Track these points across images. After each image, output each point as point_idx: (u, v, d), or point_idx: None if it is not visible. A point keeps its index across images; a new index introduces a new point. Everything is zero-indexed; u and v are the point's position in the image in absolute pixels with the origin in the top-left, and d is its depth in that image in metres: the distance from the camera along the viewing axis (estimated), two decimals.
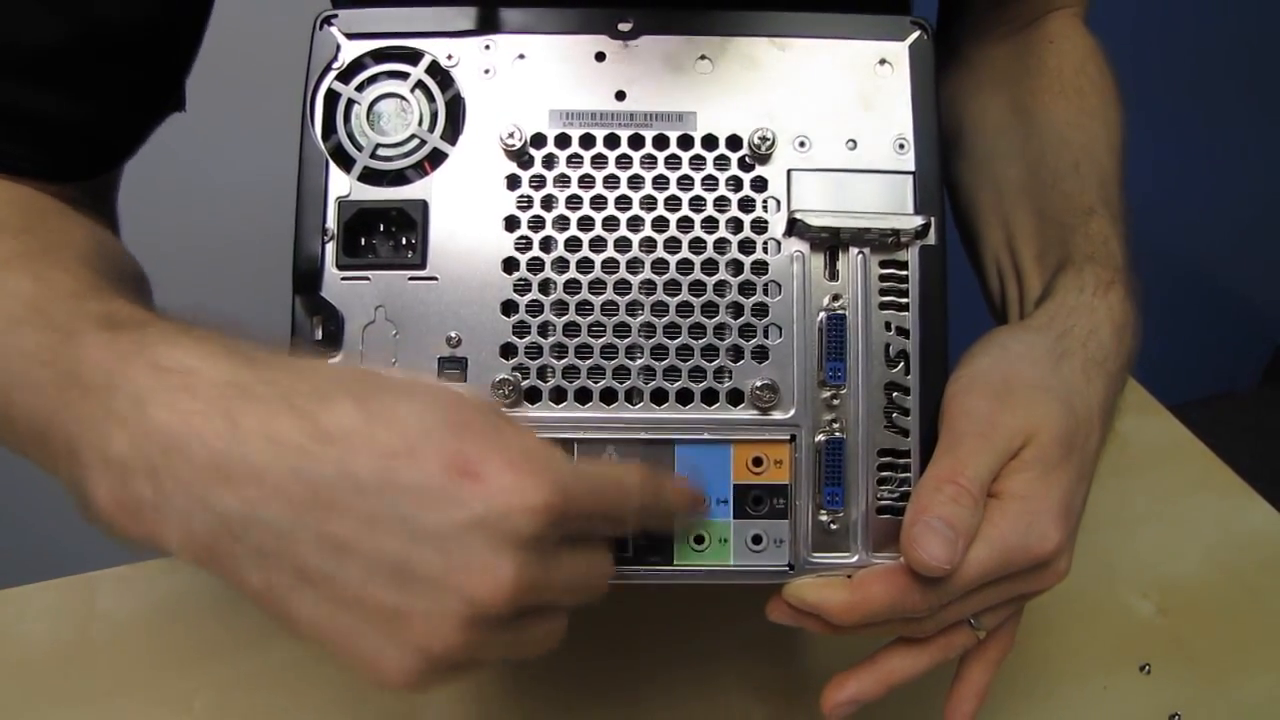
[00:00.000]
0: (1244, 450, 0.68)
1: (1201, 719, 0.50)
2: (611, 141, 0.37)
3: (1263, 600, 0.57)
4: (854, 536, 0.36)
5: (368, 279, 0.37)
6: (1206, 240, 1.58)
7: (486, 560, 0.26)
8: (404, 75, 0.38)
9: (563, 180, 0.37)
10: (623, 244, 0.37)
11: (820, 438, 0.36)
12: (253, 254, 0.86)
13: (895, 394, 0.37)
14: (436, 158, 0.37)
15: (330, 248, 0.37)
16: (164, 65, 0.43)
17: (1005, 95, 0.49)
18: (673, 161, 0.37)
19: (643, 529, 0.33)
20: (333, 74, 0.38)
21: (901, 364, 0.37)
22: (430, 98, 0.38)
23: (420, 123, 0.38)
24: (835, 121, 0.38)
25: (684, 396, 0.36)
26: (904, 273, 0.37)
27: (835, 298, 0.37)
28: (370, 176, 0.37)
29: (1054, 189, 0.44)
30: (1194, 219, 1.53)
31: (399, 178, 0.37)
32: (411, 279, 0.37)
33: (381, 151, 0.37)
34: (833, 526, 0.36)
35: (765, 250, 0.37)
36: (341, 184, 0.37)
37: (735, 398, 0.37)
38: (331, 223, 0.37)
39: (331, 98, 0.38)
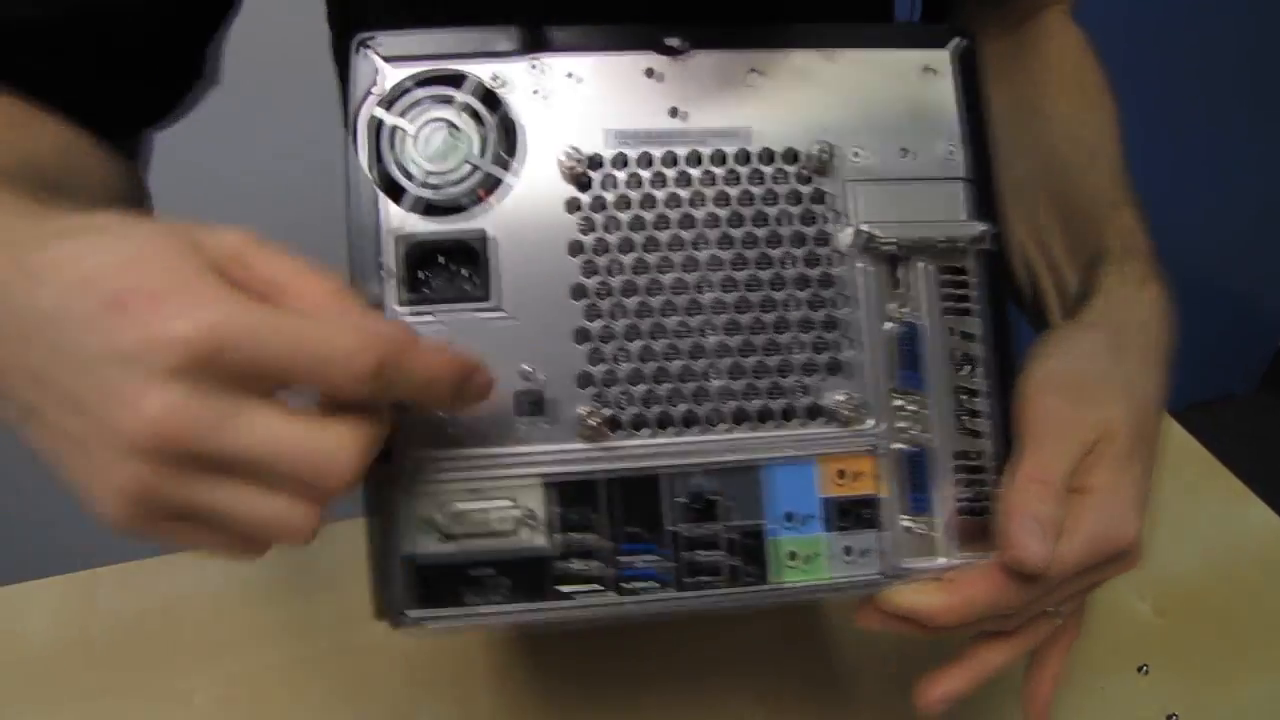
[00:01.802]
0: (1243, 454, 0.67)
1: None
2: (669, 160, 0.37)
3: (1260, 602, 0.57)
4: (939, 540, 0.37)
5: (431, 315, 0.35)
6: (1207, 244, 1.53)
7: (131, 389, 0.26)
8: (449, 100, 0.36)
9: (624, 202, 0.36)
10: (689, 264, 0.36)
11: (899, 446, 0.37)
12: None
13: (965, 398, 0.38)
14: (491, 184, 0.36)
15: (391, 285, 0.35)
16: (167, 35, 0.44)
17: (1006, 91, 0.50)
18: (731, 177, 0.37)
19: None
20: (374, 99, 0.36)
21: (969, 368, 0.38)
22: (480, 122, 0.36)
23: (472, 148, 0.36)
24: (886, 130, 0.38)
25: (764, 415, 0.36)
26: (964, 278, 0.38)
27: (901, 306, 0.37)
28: (423, 207, 0.36)
29: (1075, 183, 0.46)
30: (1194, 223, 1.48)
31: (454, 207, 0.36)
32: (476, 311, 0.35)
33: (433, 180, 0.36)
34: (919, 532, 0.37)
35: (830, 263, 0.37)
36: (395, 217, 0.35)
37: (813, 413, 0.37)
38: (389, 258, 0.35)
39: (376, 125, 0.36)
